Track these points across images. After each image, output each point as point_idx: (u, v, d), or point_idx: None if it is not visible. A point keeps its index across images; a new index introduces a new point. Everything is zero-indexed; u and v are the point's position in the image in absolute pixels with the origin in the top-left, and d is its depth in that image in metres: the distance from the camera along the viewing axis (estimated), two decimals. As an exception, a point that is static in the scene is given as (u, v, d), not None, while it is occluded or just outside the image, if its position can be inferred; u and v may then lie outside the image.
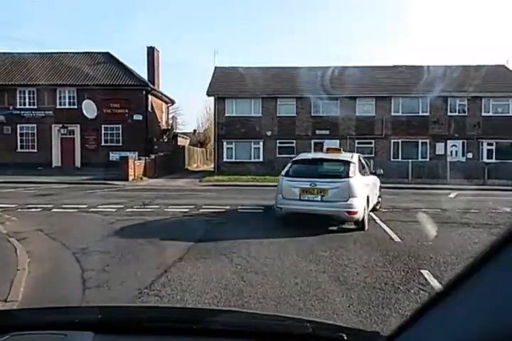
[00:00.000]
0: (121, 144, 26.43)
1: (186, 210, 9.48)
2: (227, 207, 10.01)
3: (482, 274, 0.57)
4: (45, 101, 26.56)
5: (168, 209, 9.60)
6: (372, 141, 24.37)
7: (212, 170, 25.41)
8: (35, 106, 26.64)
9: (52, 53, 28.75)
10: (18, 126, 26.53)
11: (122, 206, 10.10)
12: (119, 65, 27.84)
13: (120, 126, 26.58)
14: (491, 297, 0.56)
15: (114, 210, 9.50)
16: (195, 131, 51.24)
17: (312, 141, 24.43)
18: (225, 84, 25.36)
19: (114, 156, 25.60)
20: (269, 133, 24.45)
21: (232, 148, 24.65)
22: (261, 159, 24.54)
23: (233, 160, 24.50)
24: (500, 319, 0.52)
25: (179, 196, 12.93)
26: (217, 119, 24.96)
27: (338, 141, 24.24)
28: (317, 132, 24.36)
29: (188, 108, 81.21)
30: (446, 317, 0.61)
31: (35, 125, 26.59)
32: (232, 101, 24.69)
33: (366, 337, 1.15)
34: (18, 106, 26.58)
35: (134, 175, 20.49)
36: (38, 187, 14.94)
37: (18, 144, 26.66)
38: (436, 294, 0.65)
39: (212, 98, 25.59)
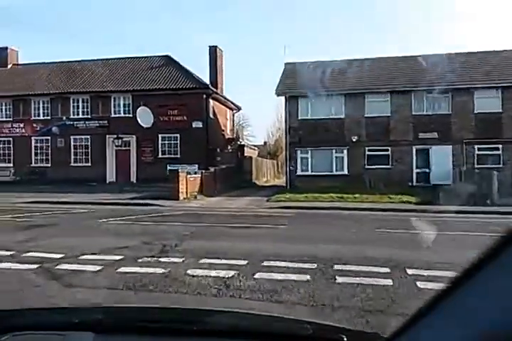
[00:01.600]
0: (179, 156, 22.97)
1: (230, 275, 4.74)
2: (312, 267, 5.11)
3: (482, 275, 0.57)
4: (99, 109, 24.14)
5: (196, 270, 4.95)
6: (500, 146, 18.07)
7: (284, 185, 20.72)
8: (89, 116, 24.25)
9: (108, 59, 26.57)
10: (72, 137, 24.26)
11: (122, 257, 5.66)
12: (178, 68, 24.79)
13: (178, 135, 23.19)
14: (491, 298, 0.56)
15: (98, 269, 5.09)
16: (265, 143, 47.31)
17: (414, 148, 18.71)
18: (297, 81, 20.60)
19: (171, 170, 22.15)
20: (355, 139, 19.20)
21: (307, 158, 19.74)
22: (345, 171, 19.31)
23: (309, 173, 19.58)
24: (501, 320, 0.52)
25: (230, 230, 8.32)
26: (289, 123, 20.30)
27: (450, 146, 18.30)
28: (420, 136, 18.60)
29: (259, 119, 78.04)
30: (447, 318, 0.61)
31: (88, 136, 24.18)
32: (307, 101, 19.85)
33: (366, 338, 1.16)
34: (71, 117, 24.38)
35: (187, 192, 16.46)
36: (49, 211, 11.27)
37: (72, 158, 24.36)
38: (436, 295, 0.63)
39: (282, 98, 21.09)
